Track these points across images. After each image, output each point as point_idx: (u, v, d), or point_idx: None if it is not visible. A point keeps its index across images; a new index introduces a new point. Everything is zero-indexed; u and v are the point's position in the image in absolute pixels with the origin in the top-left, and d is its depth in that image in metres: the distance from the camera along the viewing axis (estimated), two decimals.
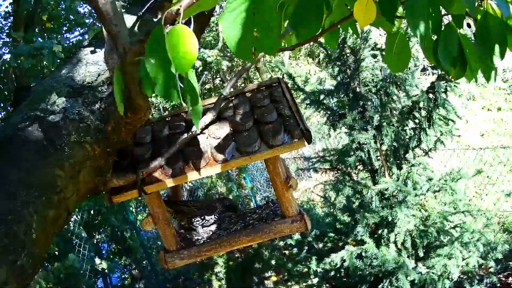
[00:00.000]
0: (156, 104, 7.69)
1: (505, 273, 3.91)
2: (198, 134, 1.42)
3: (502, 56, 1.02)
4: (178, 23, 0.86)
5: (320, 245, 3.93)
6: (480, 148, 5.62)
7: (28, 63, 3.73)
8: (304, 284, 4.34)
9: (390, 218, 3.36)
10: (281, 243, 4.54)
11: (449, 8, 0.99)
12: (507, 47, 1.01)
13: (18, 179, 1.05)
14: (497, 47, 1.01)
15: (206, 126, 1.44)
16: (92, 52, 1.40)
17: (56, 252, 4.22)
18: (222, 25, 0.83)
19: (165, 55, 0.84)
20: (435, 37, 1.04)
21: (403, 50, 1.22)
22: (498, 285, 3.73)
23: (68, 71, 1.34)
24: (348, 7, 1.14)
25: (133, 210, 5.70)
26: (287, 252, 4.64)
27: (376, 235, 3.57)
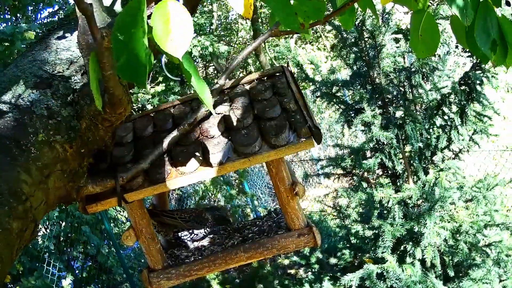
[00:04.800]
0: (139, 98, 7.72)
1: None
2: (188, 132, 1.42)
3: None
4: None
5: (333, 263, 3.93)
6: None
7: None
8: None
9: (416, 229, 3.35)
10: (286, 261, 4.54)
11: None
12: None
13: None
14: None
15: (198, 123, 1.44)
16: (63, 36, 1.40)
17: (21, 271, 4.23)
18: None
19: (137, 31, 0.84)
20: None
21: (431, 31, 1.22)
22: None
23: (35, 58, 1.35)
24: None
25: (111, 222, 5.71)
26: (293, 271, 4.64)
27: (398, 251, 3.57)
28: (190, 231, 1.67)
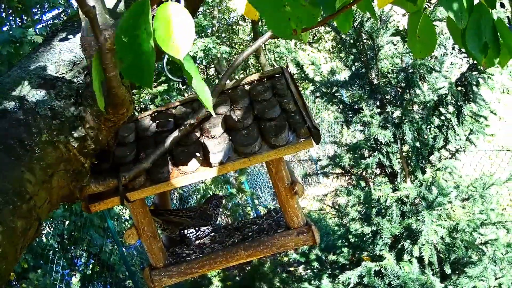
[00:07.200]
0: (141, 98, 7.73)
1: None
2: (189, 132, 1.42)
3: None
4: (167, 0, 0.87)
5: (332, 261, 3.93)
6: None
7: (5, 51, 3.78)
8: None
9: (414, 227, 3.35)
10: (285, 259, 4.54)
11: None
12: None
13: None
14: None
15: (199, 123, 1.44)
16: (67, 37, 1.40)
17: (26, 267, 4.24)
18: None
19: (141, 34, 0.84)
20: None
21: (428, 32, 1.22)
22: None
23: (39, 59, 1.35)
24: None
25: (114, 220, 5.72)
26: (292, 269, 4.64)
27: (396, 249, 3.57)
28: (196, 228, 1.67)
